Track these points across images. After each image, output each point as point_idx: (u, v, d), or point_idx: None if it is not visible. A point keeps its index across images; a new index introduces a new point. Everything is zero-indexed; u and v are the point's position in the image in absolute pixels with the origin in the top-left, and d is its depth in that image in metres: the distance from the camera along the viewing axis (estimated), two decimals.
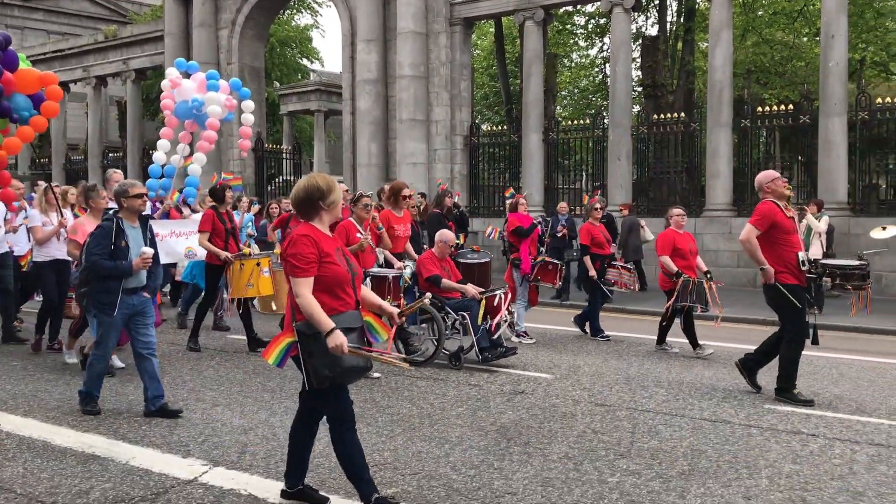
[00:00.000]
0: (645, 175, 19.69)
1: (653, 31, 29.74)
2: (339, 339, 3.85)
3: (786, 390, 6.91)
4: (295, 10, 38.42)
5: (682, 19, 26.35)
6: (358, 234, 7.62)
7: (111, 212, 6.34)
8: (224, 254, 8.90)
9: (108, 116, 36.24)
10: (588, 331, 10.42)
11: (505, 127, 21.82)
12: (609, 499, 4.50)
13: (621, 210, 15.47)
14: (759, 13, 27.96)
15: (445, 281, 8.44)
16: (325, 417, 4.28)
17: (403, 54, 19.43)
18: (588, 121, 20.04)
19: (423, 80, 19.57)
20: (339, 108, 26.86)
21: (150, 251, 6.14)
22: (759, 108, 17.38)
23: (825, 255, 12.46)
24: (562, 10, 27.11)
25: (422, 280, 8.47)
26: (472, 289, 8.41)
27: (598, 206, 10.55)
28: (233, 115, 12.29)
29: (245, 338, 9.27)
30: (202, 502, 4.43)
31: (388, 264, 8.36)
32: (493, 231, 11.67)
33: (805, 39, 28.43)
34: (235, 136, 23.52)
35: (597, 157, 19.14)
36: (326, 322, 3.88)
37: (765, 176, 7.13)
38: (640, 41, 26.44)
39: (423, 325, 8.52)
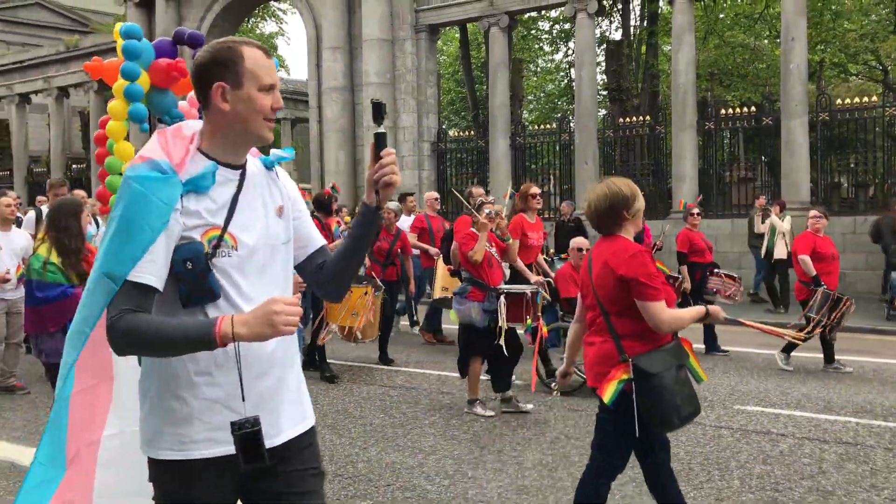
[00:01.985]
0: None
1: (617, 35, 30.02)
2: (720, 313, 3.56)
3: None
4: (260, 18, 38.20)
5: (644, 23, 26.63)
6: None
7: None
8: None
9: (71, 128, 35.73)
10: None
11: (472, 132, 21.86)
12: None
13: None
14: (721, 16, 28.37)
15: None
16: None
17: (369, 62, 19.40)
18: (555, 125, 20.15)
19: (389, 86, 19.55)
20: (306, 116, 26.73)
21: None
22: (723, 111, 17.60)
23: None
24: (526, 16, 27.29)
25: (563, 300, 7.61)
26: None
27: (695, 210, 9.55)
28: None
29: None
30: None
31: (516, 278, 7.32)
32: None
33: (766, 42, 28.88)
34: None
35: (564, 161, 19.25)
36: (697, 310, 3.55)
37: None
38: (605, 45, 26.69)
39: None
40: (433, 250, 10.28)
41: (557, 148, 19.36)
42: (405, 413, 6.68)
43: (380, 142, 2.20)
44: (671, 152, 17.39)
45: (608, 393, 3.43)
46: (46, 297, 4.93)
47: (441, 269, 9.50)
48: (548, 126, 20.62)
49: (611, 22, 31.59)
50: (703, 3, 21.93)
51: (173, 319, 1.99)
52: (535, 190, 7.59)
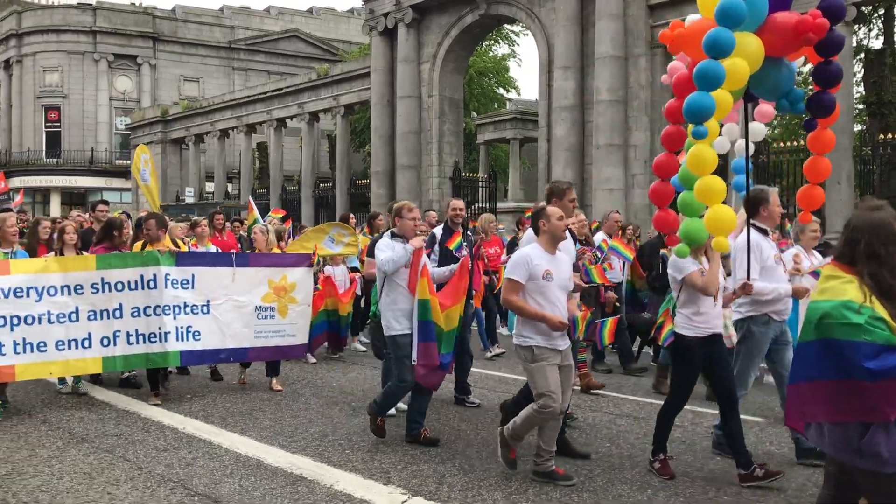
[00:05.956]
0: None
1: (877, 43, 27.40)
2: None
3: None
4: (493, 41, 39.19)
5: None
6: None
7: None
8: None
9: (320, 149, 38.73)
10: None
11: None
12: None
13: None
14: None
15: None
16: None
17: (601, 79, 19.16)
18: (802, 142, 18.68)
19: (621, 104, 19.18)
20: (534, 135, 26.97)
21: None
22: None
23: None
24: None
25: None
26: None
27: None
28: None
29: None
30: None
31: None
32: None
33: None
34: (434, 165, 24.22)
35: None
36: None
37: None
38: (863, 55, 24.45)
39: None
40: None
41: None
42: (633, 444, 6.39)
43: None
44: None
45: None
46: (884, 367, 2.96)
47: None
48: (794, 143, 19.17)
49: (870, 30, 28.89)
50: None
51: None
52: None
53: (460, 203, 8.11)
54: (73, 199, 45.55)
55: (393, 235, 6.41)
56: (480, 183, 26.44)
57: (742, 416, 7.16)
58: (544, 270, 5.25)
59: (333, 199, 29.38)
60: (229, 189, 39.51)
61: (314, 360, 9.95)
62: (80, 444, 6.21)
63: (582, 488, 5.22)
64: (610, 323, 7.74)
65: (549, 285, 5.25)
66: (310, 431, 6.65)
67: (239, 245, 10.91)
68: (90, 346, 7.36)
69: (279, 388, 8.24)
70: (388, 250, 6.23)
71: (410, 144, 24.41)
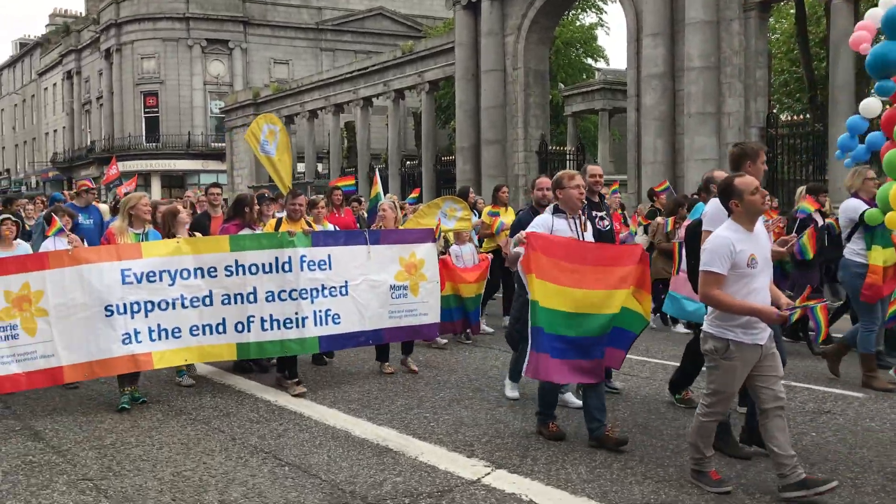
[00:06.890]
0: None
1: None
2: None
3: None
4: (579, 10, 38.43)
5: None
6: None
7: None
8: None
9: (406, 127, 39.01)
10: None
11: (808, 116, 19.96)
12: None
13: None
14: None
15: None
16: None
17: (692, 45, 18.52)
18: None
19: (713, 70, 18.51)
20: (623, 105, 26.36)
21: None
22: None
23: None
24: None
25: None
26: None
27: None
28: None
29: None
30: None
31: None
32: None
33: None
34: (520, 139, 24.03)
35: None
36: None
37: None
38: None
39: None
40: None
41: None
42: None
43: None
44: None
45: None
46: None
47: None
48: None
49: None
50: None
51: None
52: None
53: (598, 169, 7.07)
54: (172, 181, 47.41)
55: (556, 210, 5.82)
56: (568, 156, 26.05)
57: (841, 392, 6.92)
58: (749, 256, 4.44)
59: (420, 177, 29.55)
60: (319, 169, 40.26)
61: (445, 341, 9.37)
62: (178, 416, 6.49)
63: (668, 463, 5.14)
64: (820, 311, 7.06)
65: (754, 271, 4.47)
66: (396, 404, 6.75)
67: (357, 225, 10.60)
68: (224, 331, 7.05)
69: (415, 368, 8.01)
70: (542, 229, 5.62)
71: (495, 119, 24.26)
